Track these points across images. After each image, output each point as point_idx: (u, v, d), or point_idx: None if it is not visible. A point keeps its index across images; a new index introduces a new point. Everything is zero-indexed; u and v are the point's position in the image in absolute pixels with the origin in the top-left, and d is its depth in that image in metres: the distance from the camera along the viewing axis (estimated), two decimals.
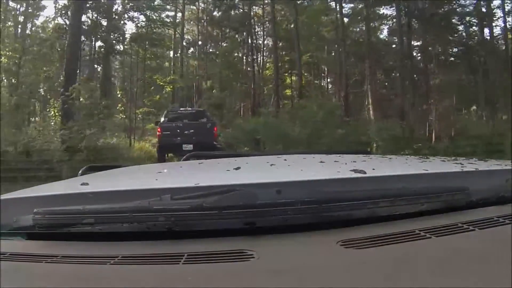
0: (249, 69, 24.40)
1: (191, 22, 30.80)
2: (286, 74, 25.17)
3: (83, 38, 17.88)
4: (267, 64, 24.77)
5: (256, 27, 25.55)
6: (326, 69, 24.44)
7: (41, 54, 16.08)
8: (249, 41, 24.39)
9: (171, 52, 25.63)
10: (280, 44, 22.14)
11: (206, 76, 27.49)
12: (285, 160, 1.21)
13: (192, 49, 32.07)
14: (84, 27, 17.32)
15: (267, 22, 25.03)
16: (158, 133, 10.41)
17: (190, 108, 14.15)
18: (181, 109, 13.33)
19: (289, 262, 0.57)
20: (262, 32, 25.02)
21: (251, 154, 1.74)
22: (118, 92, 19.57)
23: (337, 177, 0.82)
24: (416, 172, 0.91)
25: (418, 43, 18.77)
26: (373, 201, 0.70)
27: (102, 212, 0.68)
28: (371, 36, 18.91)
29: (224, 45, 25.90)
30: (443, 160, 1.16)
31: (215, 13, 26.36)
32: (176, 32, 25.42)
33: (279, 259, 0.58)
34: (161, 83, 20.71)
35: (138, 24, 21.09)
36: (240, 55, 26.03)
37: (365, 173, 0.80)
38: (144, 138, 18.86)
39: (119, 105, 18.50)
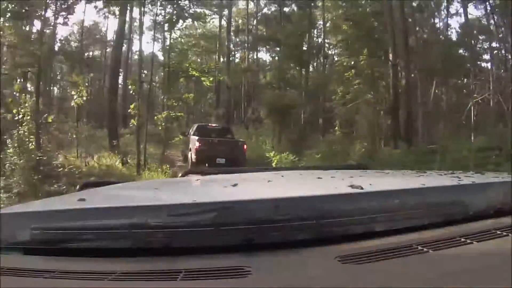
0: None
1: (239, 20, 24.36)
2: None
3: None
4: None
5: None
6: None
7: None
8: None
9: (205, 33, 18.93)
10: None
11: (262, 71, 20.26)
12: (282, 176, 1.21)
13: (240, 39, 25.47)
14: None
15: None
16: (196, 146, 10.91)
17: (215, 125, 14.87)
18: (209, 125, 14.26)
19: (287, 278, 0.58)
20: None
21: (248, 170, 1.70)
22: (130, 87, 12.81)
23: (335, 193, 0.82)
24: (414, 186, 0.91)
25: None
26: (370, 216, 0.71)
27: (99, 228, 0.68)
28: None
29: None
30: (440, 174, 1.15)
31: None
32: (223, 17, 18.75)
33: (277, 275, 0.59)
34: (195, 73, 13.34)
35: None
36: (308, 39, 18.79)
37: (362, 188, 0.80)
38: (165, 154, 12.08)
39: (131, 106, 11.90)
